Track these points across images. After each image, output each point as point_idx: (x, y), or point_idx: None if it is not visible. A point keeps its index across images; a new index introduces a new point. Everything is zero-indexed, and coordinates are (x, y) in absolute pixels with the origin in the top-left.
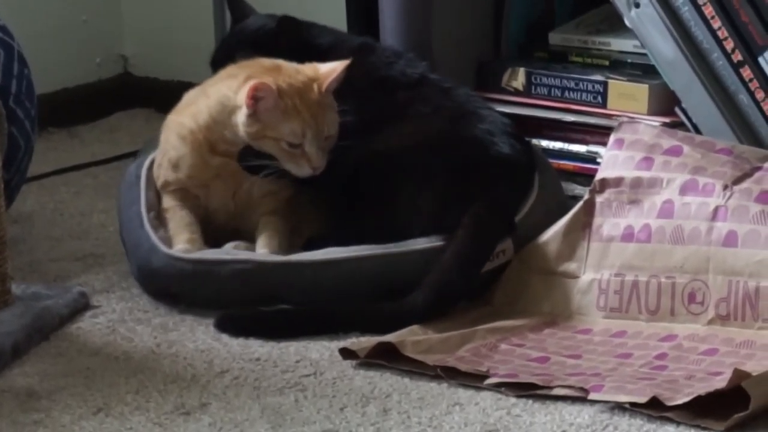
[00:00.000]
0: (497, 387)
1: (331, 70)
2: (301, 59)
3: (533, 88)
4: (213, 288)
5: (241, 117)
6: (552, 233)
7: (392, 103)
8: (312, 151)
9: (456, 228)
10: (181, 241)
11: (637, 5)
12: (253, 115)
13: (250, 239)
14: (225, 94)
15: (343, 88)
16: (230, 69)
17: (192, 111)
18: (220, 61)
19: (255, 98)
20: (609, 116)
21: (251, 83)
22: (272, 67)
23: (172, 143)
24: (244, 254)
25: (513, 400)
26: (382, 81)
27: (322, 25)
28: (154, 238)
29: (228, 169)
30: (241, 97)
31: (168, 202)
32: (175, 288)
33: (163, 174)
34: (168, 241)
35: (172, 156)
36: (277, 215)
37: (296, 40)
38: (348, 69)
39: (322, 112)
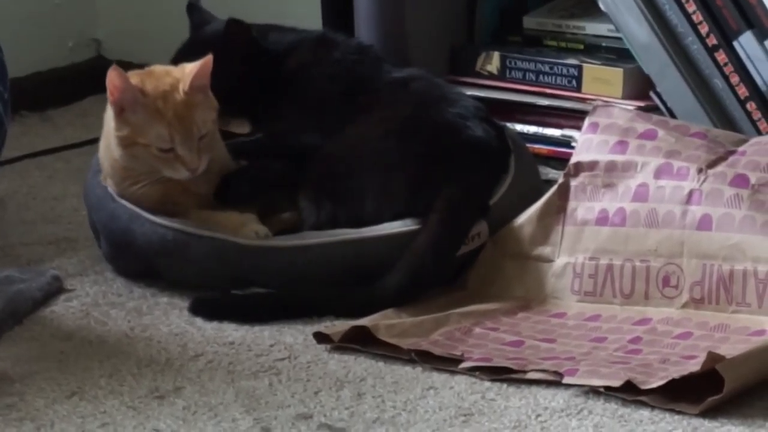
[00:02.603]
0: (471, 371)
1: (193, 66)
2: (257, 64)
3: (508, 72)
4: (188, 262)
5: (111, 123)
6: (526, 217)
7: (358, 102)
8: (185, 153)
9: (428, 211)
10: None
11: None
12: (120, 116)
13: None
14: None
15: (307, 89)
16: None
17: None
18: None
19: (115, 88)
20: (583, 100)
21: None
22: (144, 72)
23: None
24: (222, 233)
25: (487, 384)
26: (349, 80)
27: (280, 25)
28: (132, 207)
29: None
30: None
31: None
32: (153, 258)
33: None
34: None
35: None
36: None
37: (247, 45)
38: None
39: (190, 113)
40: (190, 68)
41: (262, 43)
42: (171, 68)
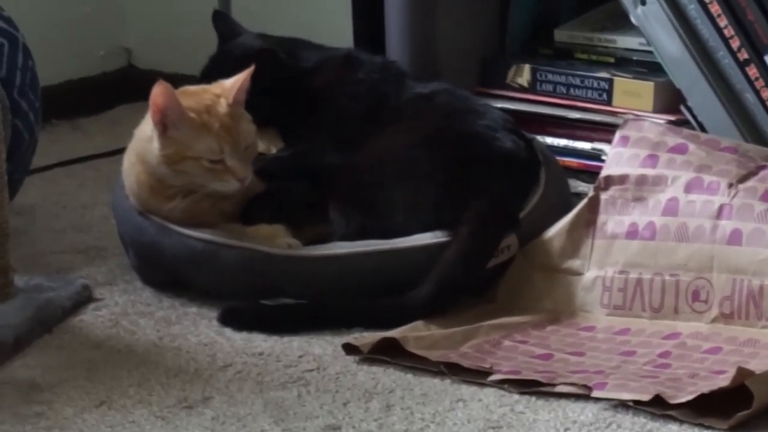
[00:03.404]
0: (500, 384)
1: (235, 81)
2: (285, 85)
3: (538, 84)
4: (218, 272)
5: (155, 143)
6: (556, 230)
7: (381, 119)
8: (234, 164)
9: (458, 223)
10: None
11: (644, 2)
12: (165, 134)
13: None
14: (144, 129)
15: (331, 109)
16: None
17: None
18: (206, 80)
19: (157, 107)
20: (614, 113)
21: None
22: (179, 92)
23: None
24: (252, 243)
25: (516, 396)
26: (371, 99)
27: (308, 41)
28: (158, 219)
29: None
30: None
31: None
32: (181, 269)
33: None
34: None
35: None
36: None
37: (276, 69)
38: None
39: (235, 124)
40: (232, 82)
41: (290, 63)
42: (205, 86)
